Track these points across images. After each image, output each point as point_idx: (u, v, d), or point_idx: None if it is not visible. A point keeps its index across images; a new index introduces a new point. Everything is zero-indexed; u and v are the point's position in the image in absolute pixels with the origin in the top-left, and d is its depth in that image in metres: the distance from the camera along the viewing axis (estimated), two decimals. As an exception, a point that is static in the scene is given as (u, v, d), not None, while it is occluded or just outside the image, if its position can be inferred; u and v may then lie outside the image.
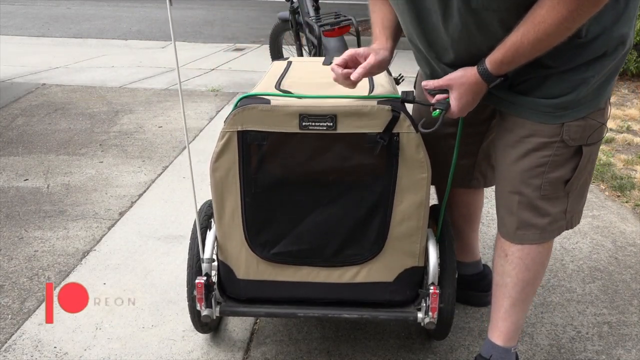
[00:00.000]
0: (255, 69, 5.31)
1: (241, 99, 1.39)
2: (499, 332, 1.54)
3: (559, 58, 1.24)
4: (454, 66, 1.32)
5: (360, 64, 1.35)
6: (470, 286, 1.92)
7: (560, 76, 1.27)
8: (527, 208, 1.39)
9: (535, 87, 1.30)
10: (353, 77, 1.33)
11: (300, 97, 1.39)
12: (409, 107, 1.43)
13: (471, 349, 1.75)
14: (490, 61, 1.23)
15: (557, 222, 1.42)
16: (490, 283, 1.93)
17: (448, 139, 1.58)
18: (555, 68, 1.26)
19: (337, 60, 1.38)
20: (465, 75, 1.28)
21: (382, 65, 1.38)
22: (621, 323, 1.89)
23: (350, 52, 1.38)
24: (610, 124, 3.88)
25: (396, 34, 1.45)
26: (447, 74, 1.33)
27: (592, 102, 1.30)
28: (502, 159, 1.42)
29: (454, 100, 1.30)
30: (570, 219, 1.45)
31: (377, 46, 1.42)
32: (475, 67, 1.27)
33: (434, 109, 1.33)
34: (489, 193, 2.78)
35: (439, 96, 1.34)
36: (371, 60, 1.35)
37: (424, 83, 1.36)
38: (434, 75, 1.42)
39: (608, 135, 3.61)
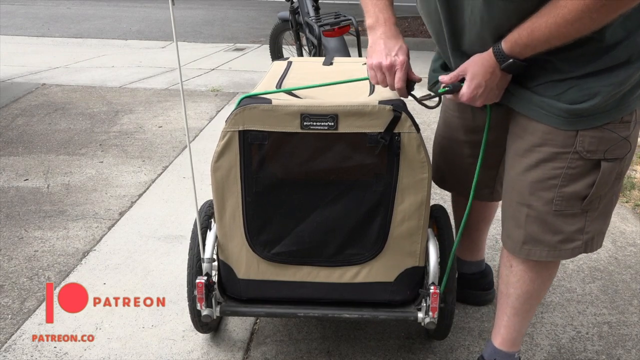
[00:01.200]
0: (255, 69, 5.31)
1: (243, 98, 1.39)
2: (501, 338, 1.53)
3: (576, 63, 1.18)
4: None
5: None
6: (471, 285, 1.92)
7: (577, 82, 1.19)
8: (537, 222, 1.32)
9: (550, 88, 1.23)
10: (398, 85, 1.33)
11: (307, 87, 1.38)
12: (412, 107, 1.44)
13: (471, 349, 1.75)
14: (505, 40, 1.18)
15: (572, 242, 1.32)
16: (491, 282, 1.96)
17: (463, 146, 1.57)
18: (572, 73, 1.20)
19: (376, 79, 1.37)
20: (480, 56, 1.24)
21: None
22: (621, 323, 1.89)
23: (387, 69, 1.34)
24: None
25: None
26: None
27: (612, 111, 1.21)
28: (511, 167, 1.36)
29: (466, 82, 1.26)
30: (590, 241, 1.33)
31: (386, 33, 1.35)
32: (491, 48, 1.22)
33: (444, 87, 1.30)
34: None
35: (447, 79, 1.31)
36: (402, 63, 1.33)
37: (440, 78, 1.33)
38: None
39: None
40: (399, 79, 1.32)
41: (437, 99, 1.39)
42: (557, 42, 1.13)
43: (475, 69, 1.24)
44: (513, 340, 1.52)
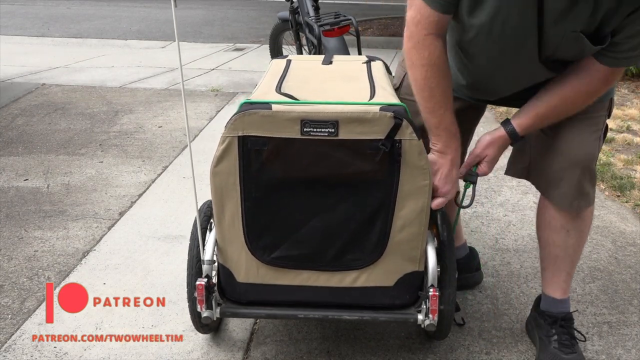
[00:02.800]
0: (255, 69, 5.31)
1: (243, 104, 1.39)
2: (561, 290, 1.71)
3: None
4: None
5: None
6: (461, 269, 1.93)
7: None
8: (586, 179, 1.54)
9: None
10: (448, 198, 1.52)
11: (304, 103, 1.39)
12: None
13: (471, 349, 1.75)
14: (520, 125, 1.46)
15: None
16: (478, 263, 2.09)
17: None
18: None
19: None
20: (494, 138, 1.50)
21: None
22: (621, 323, 1.89)
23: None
24: (610, 123, 3.87)
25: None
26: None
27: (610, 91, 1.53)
28: (566, 133, 1.52)
29: (487, 164, 1.52)
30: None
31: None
32: (501, 128, 1.49)
33: (465, 181, 1.50)
34: (483, 194, 2.78)
35: (464, 170, 1.55)
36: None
37: (461, 170, 1.55)
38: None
39: (608, 135, 3.61)
40: (440, 203, 1.50)
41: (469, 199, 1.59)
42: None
43: (494, 152, 1.51)
44: (569, 286, 1.73)
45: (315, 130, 1.34)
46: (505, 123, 1.49)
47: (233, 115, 1.36)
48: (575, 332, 1.71)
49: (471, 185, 1.55)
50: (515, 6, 1.27)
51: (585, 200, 1.56)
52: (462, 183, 1.58)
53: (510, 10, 1.28)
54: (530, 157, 1.62)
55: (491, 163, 1.52)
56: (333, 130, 1.34)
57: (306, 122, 1.34)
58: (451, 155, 1.47)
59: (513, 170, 1.69)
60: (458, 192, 1.56)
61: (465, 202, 1.57)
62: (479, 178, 1.56)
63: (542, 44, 1.33)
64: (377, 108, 1.34)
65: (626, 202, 2.74)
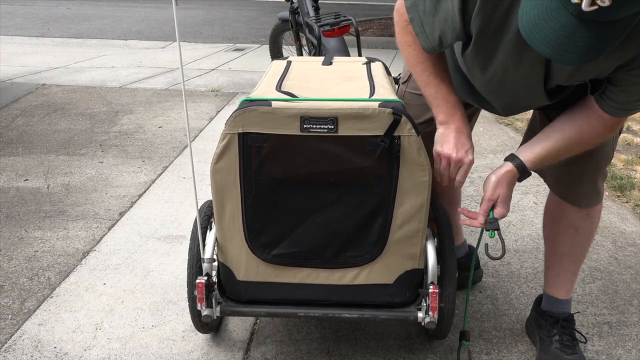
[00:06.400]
0: (255, 69, 5.31)
1: (243, 101, 1.39)
2: (565, 290, 1.72)
3: None
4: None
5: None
6: (460, 267, 1.94)
7: None
8: (600, 177, 1.55)
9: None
10: (460, 179, 1.45)
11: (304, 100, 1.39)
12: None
13: (471, 349, 1.75)
14: (528, 160, 1.39)
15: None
16: (478, 262, 2.08)
17: None
18: None
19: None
20: (503, 176, 1.40)
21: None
22: (621, 323, 1.89)
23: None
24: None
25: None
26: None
27: None
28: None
29: (501, 204, 1.41)
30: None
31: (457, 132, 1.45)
32: (508, 163, 1.40)
33: (488, 230, 1.41)
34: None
35: (481, 218, 1.42)
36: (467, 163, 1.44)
37: (474, 223, 1.44)
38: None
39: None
40: (462, 174, 1.44)
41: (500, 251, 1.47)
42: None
43: (505, 191, 1.41)
44: (573, 287, 1.74)
45: (314, 126, 1.35)
46: (512, 158, 1.41)
47: (233, 113, 1.37)
48: (576, 333, 1.71)
49: (495, 233, 1.42)
50: (521, 70, 1.28)
51: (597, 197, 1.58)
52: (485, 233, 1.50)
53: (517, 74, 1.29)
54: None
55: (506, 202, 1.42)
56: (332, 126, 1.35)
57: (306, 118, 1.34)
58: (455, 124, 1.43)
59: None
60: (487, 244, 1.49)
61: (496, 254, 1.47)
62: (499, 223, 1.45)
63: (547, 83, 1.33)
64: (376, 104, 1.35)
65: (626, 202, 2.74)
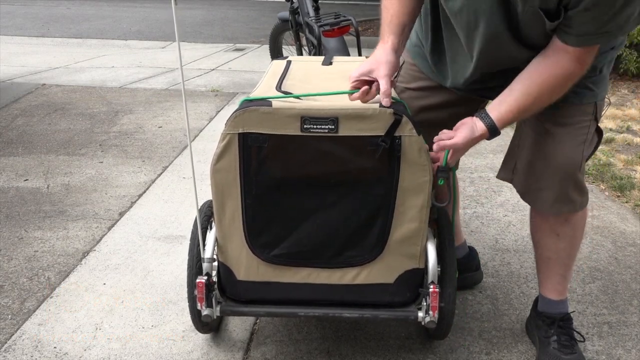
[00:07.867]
0: (255, 69, 5.31)
1: (244, 101, 1.39)
2: (557, 292, 1.72)
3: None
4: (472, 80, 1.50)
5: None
6: (462, 269, 1.94)
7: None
8: (570, 185, 1.52)
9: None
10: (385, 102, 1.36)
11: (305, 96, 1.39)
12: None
13: (471, 349, 1.75)
14: (498, 119, 1.36)
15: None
16: (478, 263, 2.08)
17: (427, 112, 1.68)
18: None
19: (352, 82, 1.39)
20: (471, 130, 1.37)
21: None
22: (621, 323, 1.89)
23: (358, 76, 1.39)
24: (610, 124, 3.89)
25: (402, 30, 1.45)
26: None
27: (605, 87, 1.52)
28: (547, 140, 1.51)
29: (455, 156, 1.40)
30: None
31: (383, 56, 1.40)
32: (482, 124, 1.37)
33: (439, 178, 1.40)
34: (483, 194, 2.78)
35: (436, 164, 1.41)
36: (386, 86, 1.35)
37: (436, 162, 1.42)
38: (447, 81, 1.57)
39: (608, 135, 3.61)
40: (381, 90, 1.34)
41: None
42: (545, 105, 1.37)
43: (467, 146, 1.39)
44: (566, 288, 1.74)
45: (315, 127, 1.35)
46: (484, 117, 1.37)
47: (233, 113, 1.37)
48: (575, 332, 1.71)
49: (444, 181, 1.41)
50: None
51: (570, 206, 1.56)
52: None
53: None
54: (516, 161, 1.63)
55: (457, 154, 1.41)
56: (333, 127, 1.35)
57: (306, 118, 1.34)
58: (385, 43, 1.41)
59: (502, 173, 1.70)
60: (434, 191, 1.46)
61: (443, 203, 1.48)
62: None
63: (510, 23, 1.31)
64: (377, 105, 1.35)
65: (626, 202, 2.74)
